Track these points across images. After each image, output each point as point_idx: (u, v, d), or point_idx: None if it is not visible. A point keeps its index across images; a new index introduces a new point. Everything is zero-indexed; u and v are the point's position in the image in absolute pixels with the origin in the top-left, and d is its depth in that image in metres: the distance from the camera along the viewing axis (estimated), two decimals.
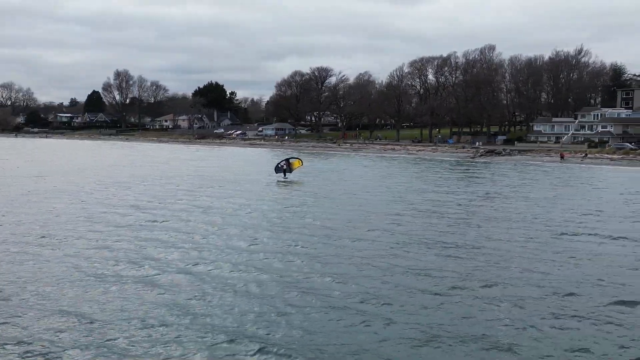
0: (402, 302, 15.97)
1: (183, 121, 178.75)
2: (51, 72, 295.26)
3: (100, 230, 25.61)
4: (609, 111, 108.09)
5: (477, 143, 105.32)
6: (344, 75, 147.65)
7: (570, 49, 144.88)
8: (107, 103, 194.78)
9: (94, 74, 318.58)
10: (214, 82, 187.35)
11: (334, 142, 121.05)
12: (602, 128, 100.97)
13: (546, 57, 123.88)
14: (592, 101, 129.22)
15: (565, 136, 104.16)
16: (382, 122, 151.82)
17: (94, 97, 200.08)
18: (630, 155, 79.05)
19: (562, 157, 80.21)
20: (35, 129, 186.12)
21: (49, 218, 28.73)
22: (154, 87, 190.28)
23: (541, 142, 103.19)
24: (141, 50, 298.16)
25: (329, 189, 43.33)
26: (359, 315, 14.90)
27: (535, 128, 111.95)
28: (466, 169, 66.64)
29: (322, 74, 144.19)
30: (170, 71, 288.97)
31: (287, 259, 20.76)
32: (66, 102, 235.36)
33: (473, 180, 52.36)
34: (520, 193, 41.93)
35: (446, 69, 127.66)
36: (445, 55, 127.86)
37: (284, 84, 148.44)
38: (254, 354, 12.45)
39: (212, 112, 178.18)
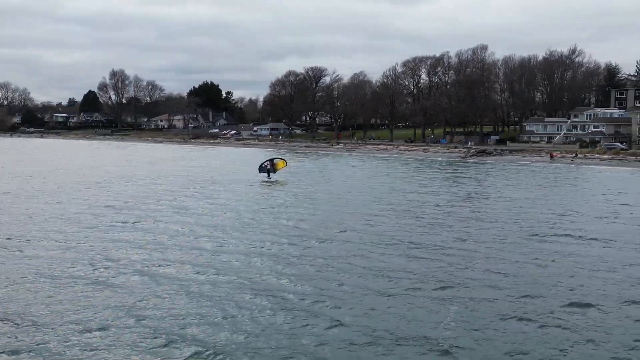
0: (353, 304, 15.86)
1: (178, 121, 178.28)
2: (51, 72, 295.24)
3: (68, 231, 25.50)
4: (601, 111, 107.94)
5: (469, 143, 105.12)
6: (337, 75, 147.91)
7: (564, 49, 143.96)
8: (103, 103, 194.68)
9: (94, 74, 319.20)
10: (209, 82, 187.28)
11: (327, 142, 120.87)
12: (594, 128, 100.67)
13: (540, 57, 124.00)
14: (587, 101, 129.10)
15: (558, 136, 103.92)
16: (378, 122, 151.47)
17: (90, 97, 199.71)
18: (621, 155, 78.91)
19: (551, 157, 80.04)
20: (31, 129, 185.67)
21: (20, 219, 28.59)
22: (150, 86, 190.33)
23: (533, 142, 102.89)
24: (141, 50, 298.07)
25: (311, 190, 43.18)
26: (306, 317, 14.80)
27: (527, 128, 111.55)
28: (455, 170, 66.43)
29: (317, 73, 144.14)
30: (171, 71, 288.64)
31: (249, 260, 20.65)
32: (65, 102, 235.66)
33: (458, 180, 52.21)
34: (502, 193, 41.81)
35: (439, 68, 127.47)
36: (438, 55, 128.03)
37: (278, 84, 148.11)
38: (187, 358, 12.29)
39: (208, 111, 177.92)
